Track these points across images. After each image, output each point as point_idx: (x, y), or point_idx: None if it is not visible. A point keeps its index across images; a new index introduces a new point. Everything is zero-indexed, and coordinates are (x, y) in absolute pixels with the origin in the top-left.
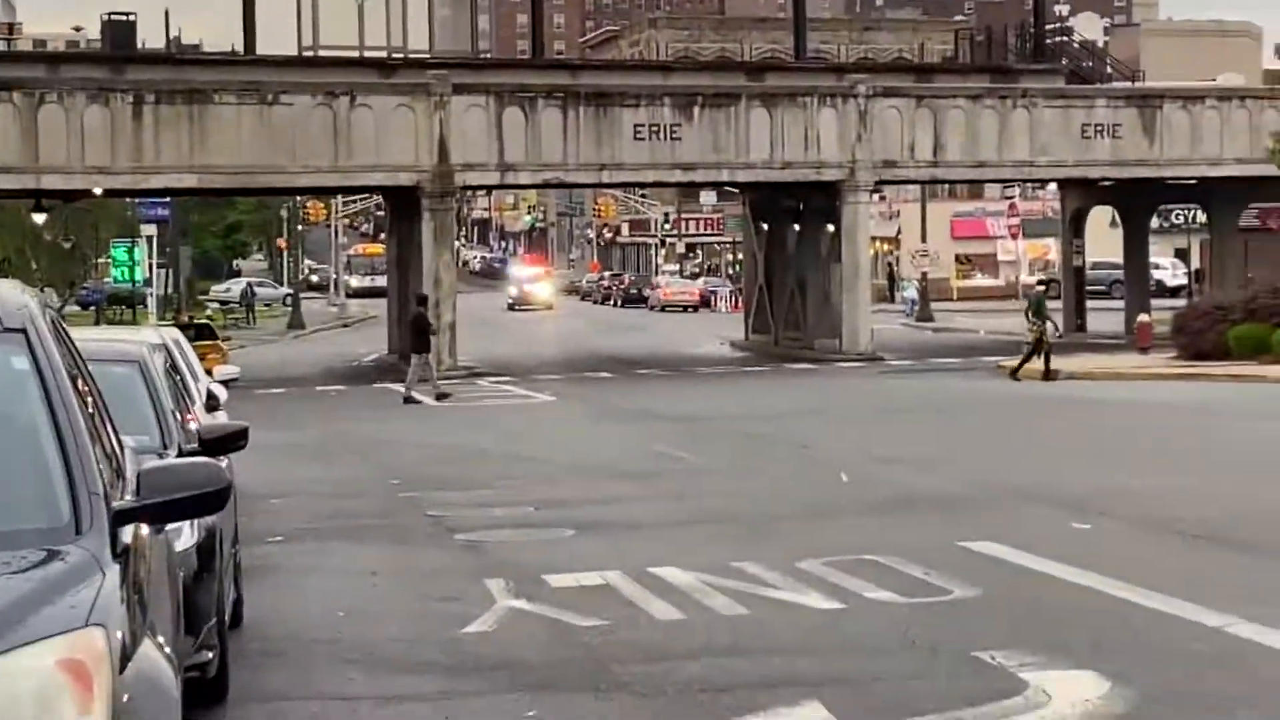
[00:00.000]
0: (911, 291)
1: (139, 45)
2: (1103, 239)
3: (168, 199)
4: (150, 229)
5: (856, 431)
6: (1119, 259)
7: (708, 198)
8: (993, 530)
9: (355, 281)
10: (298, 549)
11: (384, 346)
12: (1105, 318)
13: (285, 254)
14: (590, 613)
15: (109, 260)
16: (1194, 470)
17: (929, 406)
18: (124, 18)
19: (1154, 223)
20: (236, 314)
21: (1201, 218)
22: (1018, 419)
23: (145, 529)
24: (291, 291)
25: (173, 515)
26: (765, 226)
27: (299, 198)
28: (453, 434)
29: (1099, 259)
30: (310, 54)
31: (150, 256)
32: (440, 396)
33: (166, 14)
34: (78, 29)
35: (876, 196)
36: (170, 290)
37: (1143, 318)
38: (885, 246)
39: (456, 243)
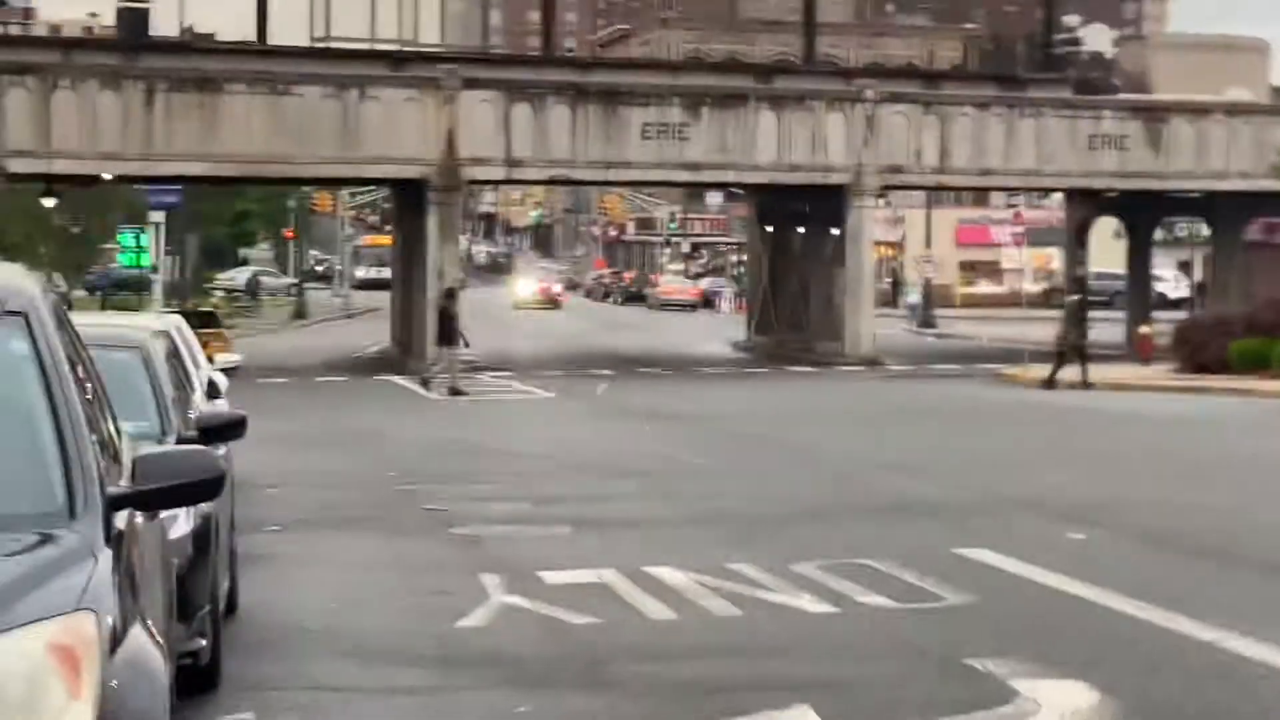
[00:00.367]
0: (915, 297)
1: (153, 33)
2: (1107, 250)
3: (177, 186)
4: (159, 216)
5: (856, 435)
6: (1122, 270)
7: (714, 198)
8: (988, 538)
9: (361, 273)
10: (294, 539)
11: (386, 338)
12: (1107, 328)
13: (292, 244)
14: (584, 610)
15: (116, 246)
16: (1191, 483)
17: (928, 412)
18: (138, 5)
19: (1158, 235)
20: (242, 302)
21: (1205, 231)
22: (1017, 427)
23: (140, 515)
24: (296, 281)
25: (167, 502)
26: (770, 229)
27: (307, 188)
28: (452, 428)
29: (1102, 270)
30: (322, 45)
31: (158, 243)
32: (454, 392)
33: (180, 2)
34: (93, 15)
35: (882, 202)
36: (177, 277)
37: (1144, 329)
38: (890, 252)
39: (462, 237)
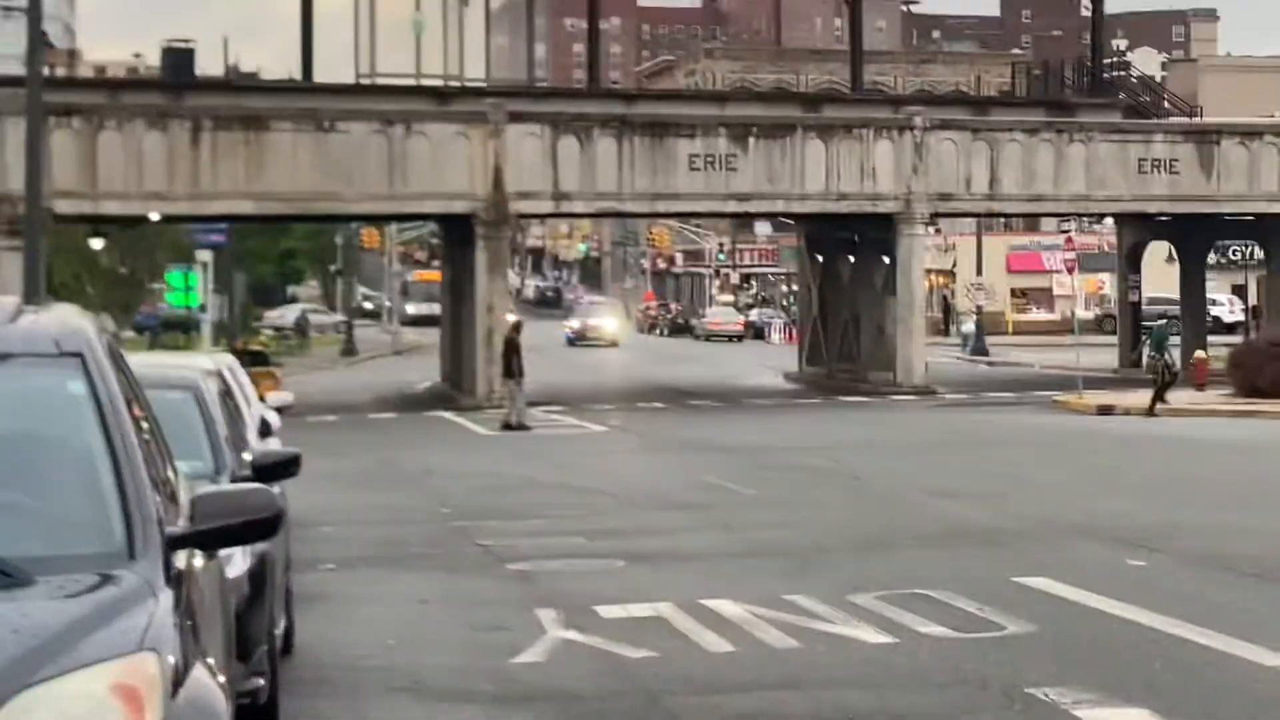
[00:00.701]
0: (970, 325)
1: (198, 72)
2: (1160, 274)
3: (224, 225)
4: (206, 255)
5: (911, 464)
6: (1175, 294)
7: (763, 228)
8: (1047, 566)
9: (412, 309)
10: (349, 576)
11: (436, 374)
12: None
13: (340, 281)
14: (641, 644)
15: (165, 286)
16: (1249, 507)
17: (983, 440)
18: (183, 45)
19: (1212, 259)
20: (290, 340)
21: (1259, 254)
22: (1072, 454)
23: (199, 554)
24: (345, 318)
25: (225, 541)
26: (820, 258)
27: (354, 225)
28: (504, 464)
29: (1155, 294)
30: (367, 82)
31: (206, 282)
32: (508, 426)
33: (225, 41)
34: (137, 55)
35: (932, 229)
36: (225, 316)
37: (1199, 354)
38: (941, 280)
39: (510, 271)
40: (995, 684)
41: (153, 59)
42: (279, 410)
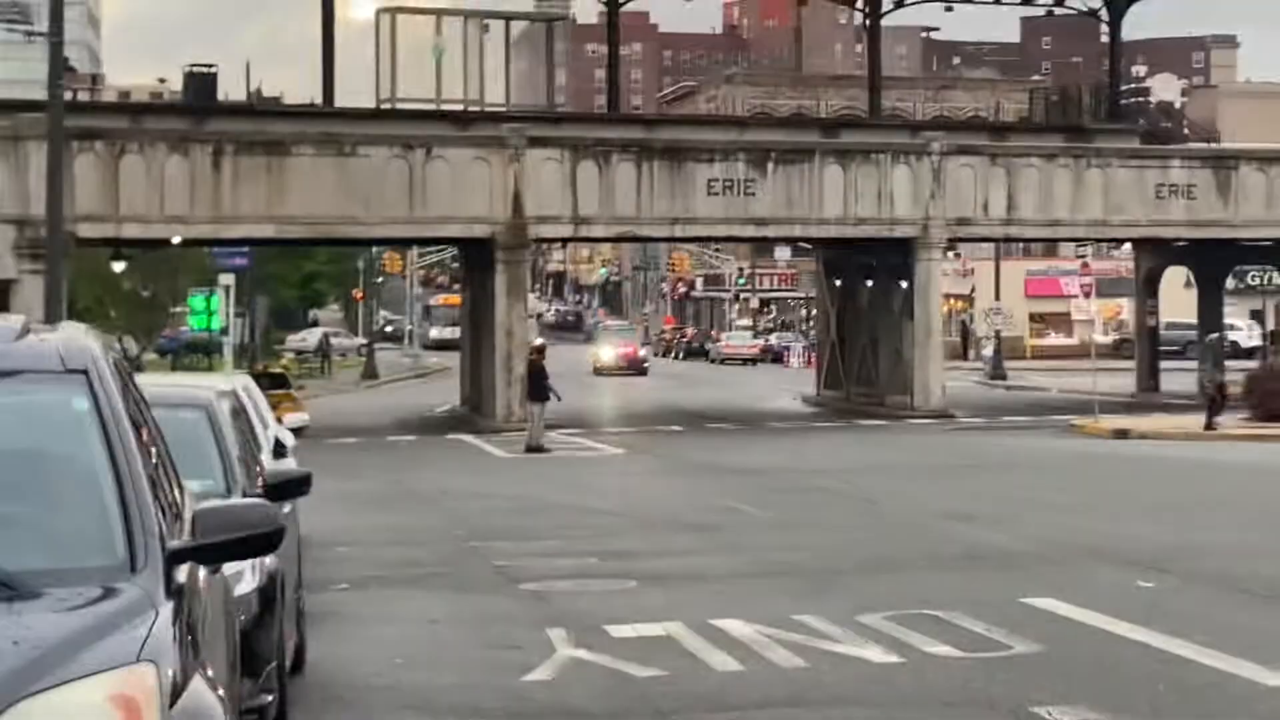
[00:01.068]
0: (990, 349)
1: (220, 97)
2: (1177, 299)
3: (246, 249)
4: (228, 278)
5: (925, 487)
6: (1194, 319)
7: (782, 253)
8: (1057, 587)
9: (435, 333)
10: (362, 596)
11: (456, 398)
12: (1179, 378)
13: (361, 305)
14: (650, 663)
15: (186, 309)
16: (1261, 530)
17: (998, 464)
18: (205, 69)
19: (1230, 284)
20: (311, 363)
21: (1278, 279)
22: (1087, 477)
23: (201, 569)
24: (366, 342)
25: (226, 555)
26: (838, 282)
27: (375, 249)
28: (520, 486)
29: (1174, 319)
30: (388, 106)
31: (228, 306)
32: (532, 449)
33: (247, 67)
34: (162, 80)
35: (951, 254)
36: (246, 339)
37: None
38: (959, 304)
39: (531, 295)
40: (1001, 704)
41: (177, 84)
42: (295, 431)
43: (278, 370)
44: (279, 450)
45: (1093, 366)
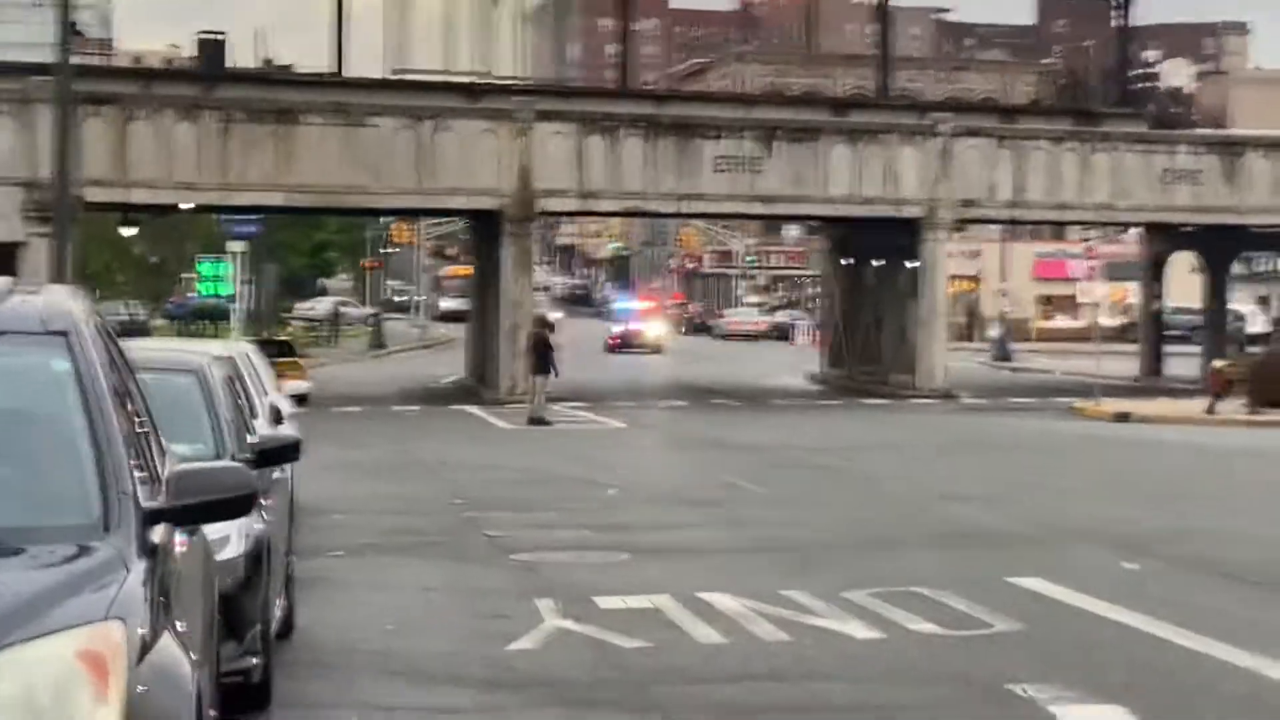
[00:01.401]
0: (996, 331)
1: (231, 65)
2: (1184, 284)
3: (253, 216)
4: (239, 245)
5: (922, 467)
6: (1200, 305)
7: (791, 231)
8: (1043, 567)
9: (446, 304)
10: (356, 563)
11: (463, 369)
12: (1184, 363)
13: (369, 275)
14: (635, 634)
15: (195, 275)
16: (1251, 514)
17: (996, 445)
18: (216, 36)
19: (1238, 269)
20: (319, 332)
21: None
22: (1084, 460)
23: (179, 530)
24: (375, 311)
25: (200, 517)
26: (844, 262)
27: (385, 219)
28: (522, 458)
29: (1180, 304)
30: (398, 77)
31: (237, 273)
32: (534, 421)
33: (256, 34)
34: (174, 46)
35: (958, 235)
36: (254, 307)
37: (1216, 364)
38: (967, 286)
39: (540, 268)
40: (977, 680)
41: (190, 50)
42: (298, 399)
43: (284, 338)
44: (276, 417)
45: (1096, 349)
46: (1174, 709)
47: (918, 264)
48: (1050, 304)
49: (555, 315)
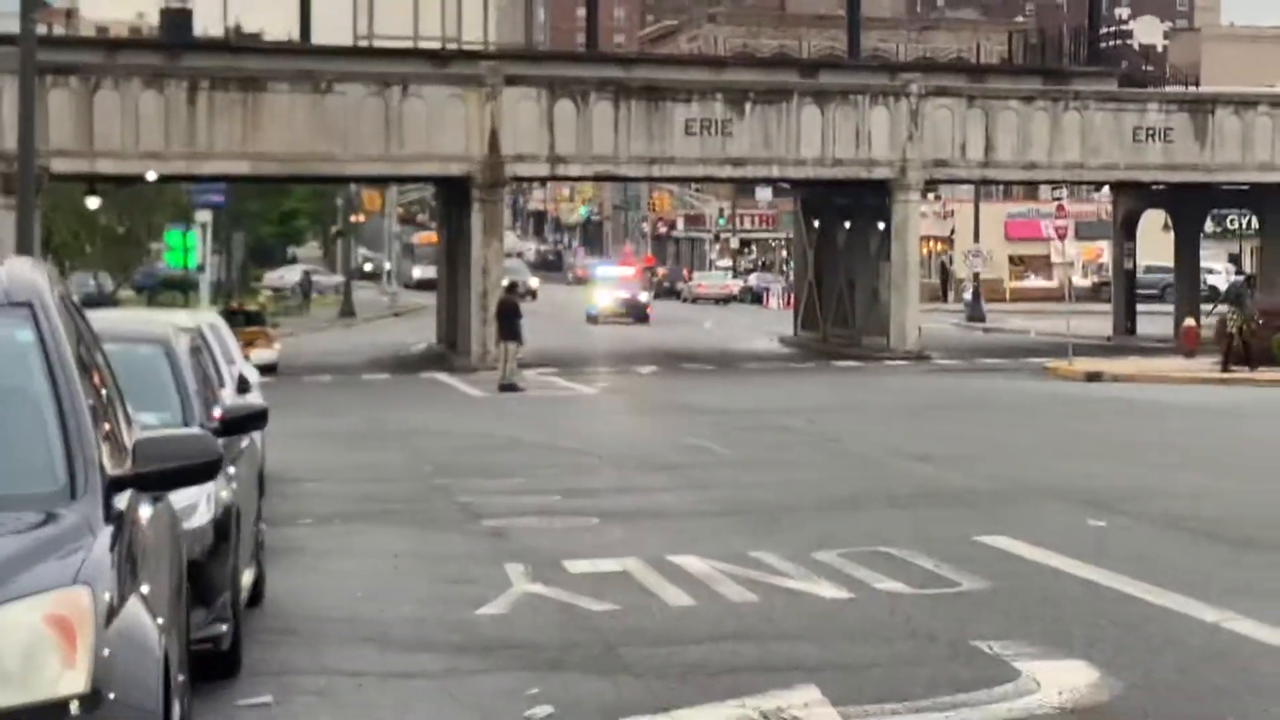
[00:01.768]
0: (971, 292)
1: (198, 33)
2: (1156, 242)
3: (222, 185)
4: (205, 215)
5: (892, 428)
6: (1171, 262)
7: (763, 194)
8: (1010, 526)
9: (418, 272)
10: (326, 531)
11: (433, 336)
12: (1156, 321)
13: (340, 243)
14: (604, 598)
15: (163, 245)
16: (1218, 472)
17: (967, 405)
18: (181, 5)
19: (1209, 227)
20: (289, 301)
21: (1256, 223)
22: (1054, 419)
23: (145, 497)
24: (344, 280)
25: (165, 484)
26: (816, 223)
27: (355, 186)
28: (492, 424)
29: (1152, 263)
30: (365, 43)
31: (204, 242)
32: (505, 387)
33: (224, 2)
34: (140, 15)
35: (932, 195)
36: (224, 277)
37: (1188, 322)
38: (939, 246)
39: (511, 234)
40: (942, 637)
41: (155, 19)
42: (265, 368)
43: (253, 308)
44: (243, 386)
45: (1068, 309)
46: (1137, 662)
47: (889, 225)
48: (1023, 264)
49: (533, 282)
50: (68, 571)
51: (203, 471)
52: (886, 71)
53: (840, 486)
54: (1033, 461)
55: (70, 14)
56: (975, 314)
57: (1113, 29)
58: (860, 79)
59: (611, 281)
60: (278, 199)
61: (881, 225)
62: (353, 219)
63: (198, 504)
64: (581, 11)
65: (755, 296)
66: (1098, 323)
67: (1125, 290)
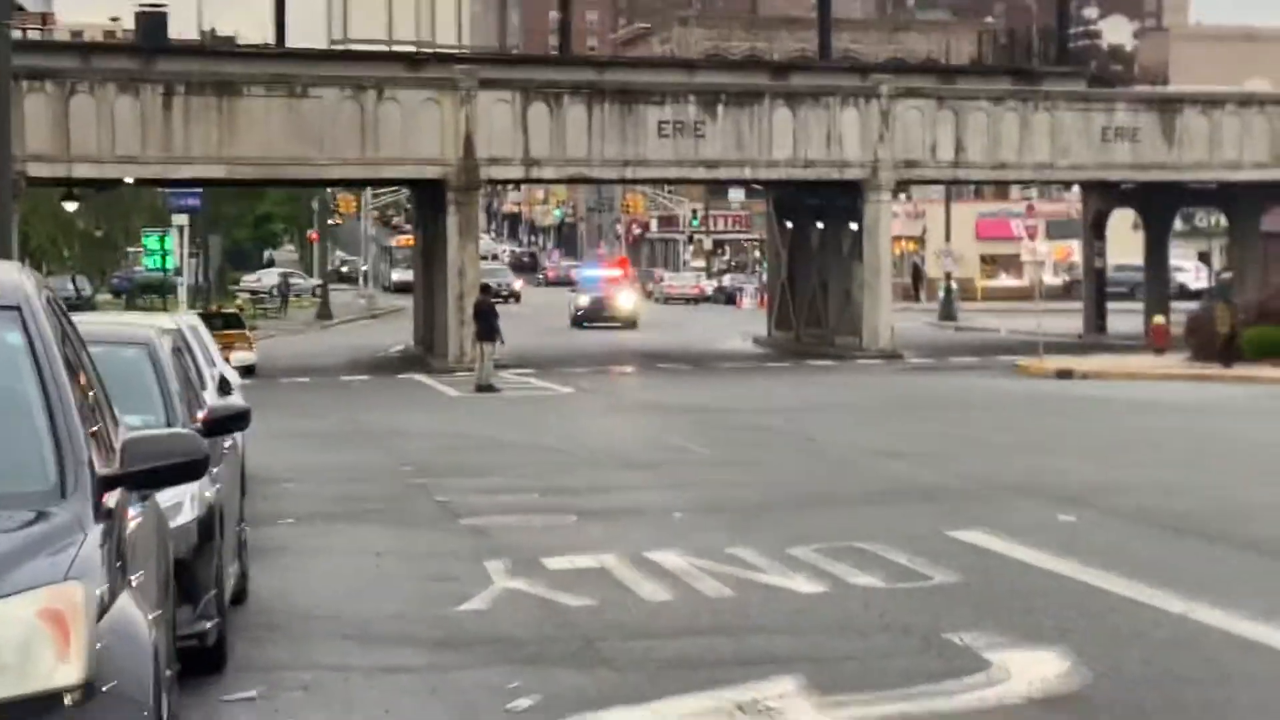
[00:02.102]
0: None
1: (172, 37)
2: (1126, 241)
3: (198, 189)
4: (181, 219)
5: (866, 426)
6: (1141, 261)
7: (736, 195)
8: (982, 521)
9: (398, 275)
10: (307, 531)
11: (410, 338)
12: (1127, 319)
13: (316, 246)
14: (583, 593)
15: (141, 249)
16: (1187, 467)
17: (939, 403)
18: (156, 9)
19: (1178, 225)
20: (267, 304)
21: (1224, 222)
22: (1024, 417)
23: (132, 496)
24: (321, 283)
25: (153, 482)
26: (789, 224)
27: (330, 189)
28: (470, 424)
29: (1122, 261)
30: (340, 47)
31: (181, 246)
32: (482, 388)
33: (199, 5)
34: (114, 19)
35: (904, 196)
36: (201, 280)
37: (1158, 319)
38: (911, 246)
39: (486, 236)
40: (916, 630)
41: (130, 23)
42: (243, 370)
43: (231, 310)
44: (224, 388)
45: (1038, 307)
46: (1105, 652)
47: (861, 225)
48: (994, 263)
49: (517, 284)
50: (60, 567)
51: (190, 470)
52: (857, 73)
53: (815, 484)
54: (1004, 458)
55: (46, 18)
56: (947, 313)
57: (1082, 29)
58: (831, 80)
59: (596, 284)
60: (254, 202)
61: (853, 225)
62: (331, 222)
63: (183, 503)
64: (555, 15)
65: (729, 297)
66: (1069, 321)
67: (1095, 289)
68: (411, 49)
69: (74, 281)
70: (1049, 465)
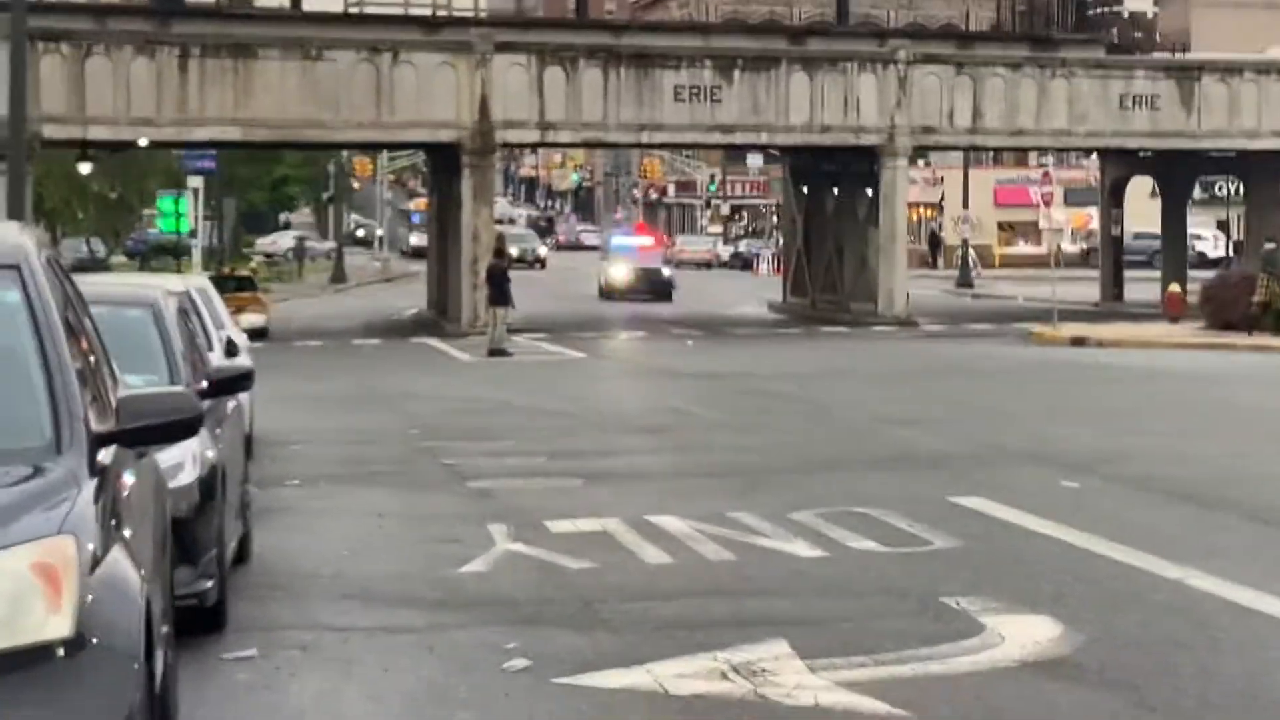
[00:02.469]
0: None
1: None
2: (1145, 209)
3: (213, 151)
4: (196, 181)
5: (876, 392)
6: (1159, 229)
7: (754, 160)
8: (985, 487)
9: (415, 239)
10: (313, 492)
11: (423, 302)
12: (1144, 287)
13: (331, 208)
14: (584, 556)
15: (155, 211)
16: (1196, 435)
17: (952, 370)
18: None
19: (1197, 194)
20: (282, 267)
21: (1242, 190)
22: (1036, 384)
23: (128, 454)
24: (336, 246)
25: (148, 439)
26: (805, 190)
27: (345, 153)
28: (480, 388)
29: (1141, 229)
30: (355, 10)
31: (196, 208)
32: (494, 352)
33: None
34: None
35: (921, 162)
36: (216, 242)
37: (1173, 287)
38: (928, 212)
39: (503, 200)
40: (913, 594)
41: None
42: (255, 333)
43: (244, 273)
44: (231, 349)
45: (1054, 275)
46: (1099, 616)
47: (877, 191)
48: (1012, 230)
49: (542, 251)
50: (53, 521)
51: (184, 428)
52: (875, 38)
53: (821, 449)
54: (1012, 425)
55: None
56: (964, 280)
57: None
58: (849, 46)
59: (628, 253)
60: (269, 165)
61: (870, 192)
62: (352, 186)
63: (183, 463)
64: None
65: (745, 263)
66: (1086, 289)
67: (1113, 256)
68: (428, 12)
69: (89, 243)
70: (1057, 432)
